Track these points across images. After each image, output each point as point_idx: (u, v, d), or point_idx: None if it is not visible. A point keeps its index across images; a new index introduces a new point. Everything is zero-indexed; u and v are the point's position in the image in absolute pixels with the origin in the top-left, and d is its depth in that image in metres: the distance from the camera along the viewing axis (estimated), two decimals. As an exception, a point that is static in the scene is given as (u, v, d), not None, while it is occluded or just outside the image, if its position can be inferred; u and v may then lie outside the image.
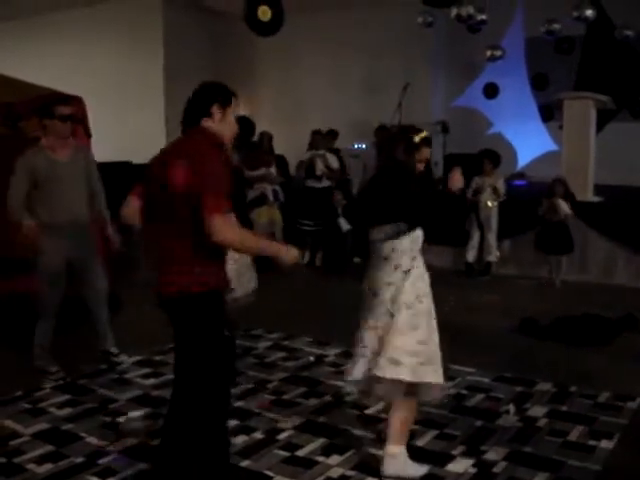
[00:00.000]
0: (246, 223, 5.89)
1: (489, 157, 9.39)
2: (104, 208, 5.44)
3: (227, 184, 3.14)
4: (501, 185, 9.31)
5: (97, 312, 5.39)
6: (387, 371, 3.55)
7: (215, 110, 3.28)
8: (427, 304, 3.74)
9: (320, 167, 10.00)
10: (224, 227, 3.04)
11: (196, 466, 3.25)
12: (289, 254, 3.30)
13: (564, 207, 8.49)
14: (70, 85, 8.95)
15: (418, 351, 3.62)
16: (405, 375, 3.55)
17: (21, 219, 5.00)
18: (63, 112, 5.10)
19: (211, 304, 3.23)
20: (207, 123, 3.27)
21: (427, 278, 3.77)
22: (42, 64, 13.94)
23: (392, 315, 3.62)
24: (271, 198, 9.50)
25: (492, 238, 9.41)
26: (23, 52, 14.96)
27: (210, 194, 3.02)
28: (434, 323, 3.78)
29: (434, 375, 3.66)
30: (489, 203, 9.30)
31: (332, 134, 11.35)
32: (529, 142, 13.02)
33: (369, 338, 3.69)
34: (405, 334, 3.60)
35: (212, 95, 3.31)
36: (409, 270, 3.65)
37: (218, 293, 3.27)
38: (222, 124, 3.30)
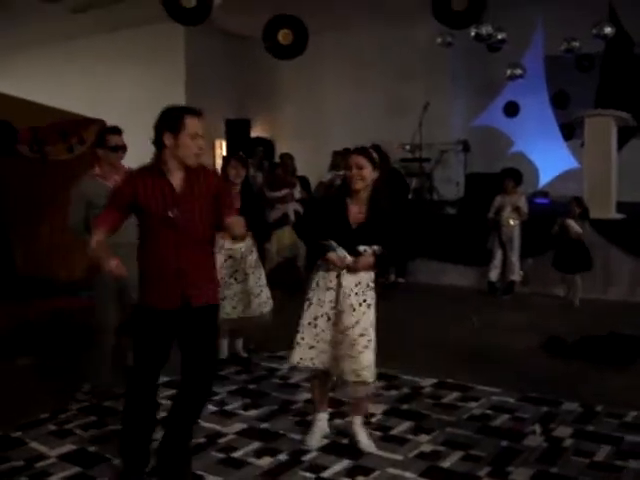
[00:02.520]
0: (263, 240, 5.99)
1: (511, 176, 9.40)
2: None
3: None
4: (523, 204, 9.31)
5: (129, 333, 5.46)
6: None
7: (167, 138, 3.54)
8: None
9: None
10: None
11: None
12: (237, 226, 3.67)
13: (574, 227, 8.49)
14: (93, 109, 9.10)
15: None
16: None
17: (84, 238, 5.09)
18: (113, 142, 5.22)
19: None
20: (166, 152, 3.60)
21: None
22: (66, 89, 14.14)
23: None
24: (292, 218, 9.52)
25: (515, 257, 9.39)
26: (48, 78, 15.19)
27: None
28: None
29: None
30: (511, 222, 9.29)
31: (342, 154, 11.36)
32: (551, 160, 12.97)
33: None
34: None
35: (161, 125, 3.56)
36: None
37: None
38: (178, 149, 3.57)
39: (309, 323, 4.21)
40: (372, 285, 4.22)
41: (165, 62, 14.39)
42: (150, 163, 3.68)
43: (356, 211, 4.17)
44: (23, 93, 8.60)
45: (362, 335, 4.10)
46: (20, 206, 8.55)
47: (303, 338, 4.21)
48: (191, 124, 3.56)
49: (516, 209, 9.26)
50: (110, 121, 7.05)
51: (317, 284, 4.22)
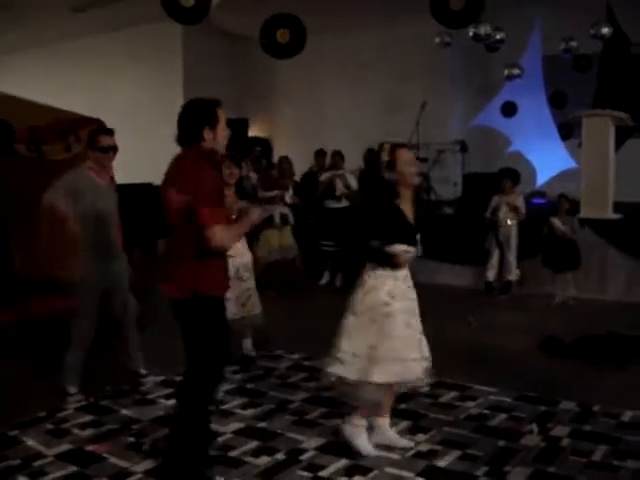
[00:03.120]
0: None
1: (508, 176, 9.41)
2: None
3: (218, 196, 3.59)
4: (521, 203, 9.33)
5: (129, 334, 5.49)
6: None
7: (206, 133, 3.62)
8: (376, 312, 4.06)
9: (340, 187, 10.04)
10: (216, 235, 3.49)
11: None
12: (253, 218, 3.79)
13: (559, 226, 8.55)
14: (91, 108, 9.09)
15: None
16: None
17: (57, 203, 5.12)
18: (104, 143, 5.24)
19: None
20: (203, 144, 3.63)
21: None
22: (65, 88, 14.15)
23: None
24: (277, 220, 9.50)
25: (512, 257, 9.40)
26: (46, 77, 15.20)
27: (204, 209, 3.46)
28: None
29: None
30: (508, 222, 9.31)
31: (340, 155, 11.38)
32: (548, 160, 12.99)
33: None
34: None
35: (200, 119, 3.63)
36: None
37: None
38: (214, 142, 3.66)
39: (399, 336, 4.02)
40: None
41: (163, 61, 14.40)
42: (198, 155, 3.63)
43: (408, 209, 4.17)
44: (21, 92, 8.59)
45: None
46: (18, 206, 8.53)
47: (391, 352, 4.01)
48: (222, 115, 3.71)
49: (513, 209, 9.28)
50: (108, 120, 7.07)
51: (388, 293, 4.07)
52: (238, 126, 13.78)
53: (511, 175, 9.43)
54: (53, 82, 14.85)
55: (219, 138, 3.68)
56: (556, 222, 8.59)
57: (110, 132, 5.33)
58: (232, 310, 5.85)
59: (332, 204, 10.13)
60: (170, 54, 14.37)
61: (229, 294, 5.83)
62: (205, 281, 3.63)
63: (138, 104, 14.33)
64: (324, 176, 10.35)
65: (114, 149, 5.31)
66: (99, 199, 5.20)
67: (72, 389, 5.23)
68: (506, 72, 12.48)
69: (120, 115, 11.58)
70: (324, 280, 10.32)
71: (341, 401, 5.04)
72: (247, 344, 6.33)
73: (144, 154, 12.50)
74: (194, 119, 3.65)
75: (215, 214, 3.49)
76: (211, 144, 3.66)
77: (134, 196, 7.32)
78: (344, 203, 10.07)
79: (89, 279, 5.17)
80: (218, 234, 3.48)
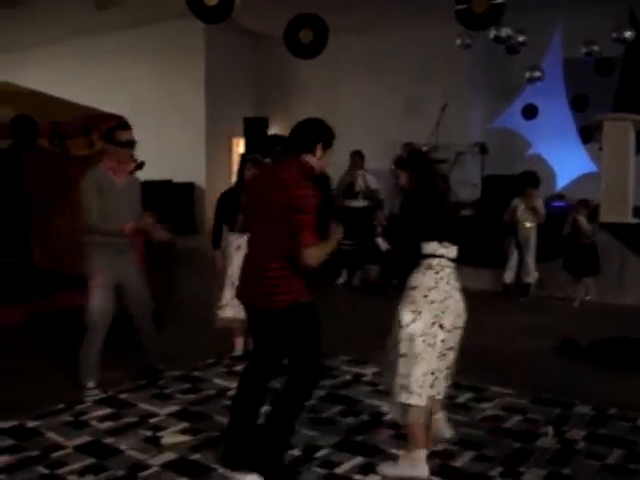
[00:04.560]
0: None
1: (529, 181, 9.38)
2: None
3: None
4: (541, 206, 9.30)
5: (144, 329, 5.54)
6: None
7: (318, 149, 3.71)
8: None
9: (360, 185, 10.08)
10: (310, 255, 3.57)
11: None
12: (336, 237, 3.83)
13: (583, 223, 8.53)
14: (113, 104, 9.16)
15: None
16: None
17: (110, 229, 5.15)
18: (123, 138, 5.25)
19: None
20: (307, 157, 3.71)
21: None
22: (87, 84, 14.25)
23: None
24: None
25: (531, 259, 9.39)
26: (67, 73, 15.30)
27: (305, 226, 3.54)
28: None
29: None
30: (527, 224, 9.29)
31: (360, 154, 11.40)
32: (568, 163, 12.93)
33: None
34: None
35: (319, 135, 3.74)
36: None
37: None
38: (318, 162, 3.74)
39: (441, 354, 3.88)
40: None
41: (185, 59, 14.46)
42: (299, 166, 3.72)
43: None
44: (43, 88, 8.68)
45: None
46: (40, 200, 8.61)
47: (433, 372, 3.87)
48: (331, 145, 3.82)
49: (531, 209, 9.26)
50: (130, 117, 7.11)
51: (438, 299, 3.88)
52: (258, 125, 13.82)
53: (530, 178, 9.40)
54: (74, 78, 14.96)
55: (323, 161, 3.77)
56: (582, 220, 8.54)
57: (128, 127, 5.35)
58: (235, 310, 5.92)
59: (351, 203, 10.16)
60: (192, 52, 14.43)
61: (231, 295, 5.90)
62: (293, 293, 3.72)
63: (160, 101, 14.41)
64: (344, 176, 10.40)
65: (132, 144, 5.34)
66: (115, 199, 5.20)
67: (90, 384, 5.27)
68: (527, 74, 12.42)
69: (143, 111, 11.69)
70: (341, 279, 10.34)
71: (356, 399, 5.09)
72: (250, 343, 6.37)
73: (164, 151, 12.60)
74: (314, 132, 3.77)
75: (314, 236, 3.59)
76: (314, 162, 3.74)
77: (152, 192, 7.35)
78: (363, 202, 10.10)
79: (100, 272, 5.20)
80: (312, 255, 3.58)
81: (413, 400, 3.80)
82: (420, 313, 3.80)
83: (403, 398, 3.82)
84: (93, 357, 5.29)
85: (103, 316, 5.25)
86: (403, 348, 3.81)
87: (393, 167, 4.19)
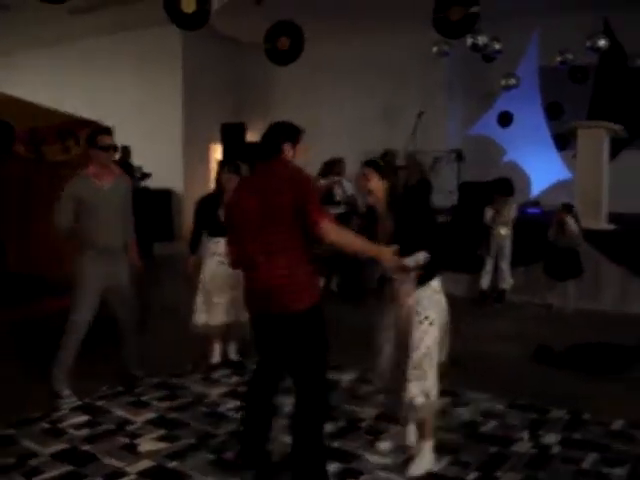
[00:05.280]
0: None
1: (498, 189, 9.40)
2: (132, 234, 5.67)
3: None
4: (511, 213, 9.30)
5: (127, 336, 5.54)
6: None
7: (287, 149, 3.72)
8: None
9: (339, 193, 10.11)
10: (330, 230, 3.56)
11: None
12: (386, 255, 3.74)
13: (571, 223, 8.55)
14: (92, 110, 9.14)
15: None
16: None
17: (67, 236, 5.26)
18: (104, 142, 5.30)
19: None
20: (282, 157, 3.72)
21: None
22: (64, 91, 14.20)
23: None
24: None
25: (506, 265, 9.44)
26: (46, 79, 15.23)
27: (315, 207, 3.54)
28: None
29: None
30: (502, 232, 9.35)
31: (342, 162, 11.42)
32: (543, 170, 13.07)
33: None
34: None
35: (281, 135, 3.76)
36: None
37: None
38: (293, 159, 3.76)
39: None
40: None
41: (162, 65, 14.46)
42: (286, 162, 3.76)
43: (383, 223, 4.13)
44: (22, 93, 8.63)
45: None
46: (15, 206, 8.56)
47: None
48: (302, 140, 3.84)
49: (497, 213, 9.31)
50: (108, 122, 7.11)
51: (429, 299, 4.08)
52: (235, 130, 13.84)
53: (500, 188, 9.40)
54: (53, 83, 14.91)
55: (297, 157, 3.79)
56: (571, 221, 8.58)
57: (109, 132, 5.40)
58: (207, 316, 5.93)
59: (331, 210, 10.19)
60: (169, 58, 14.43)
61: (222, 299, 5.91)
62: (316, 288, 3.77)
63: (138, 107, 14.38)
64: (321, 183, 10.40)
65: (114, 148, 5.41)
66: (101, 203, 5.24)
67: (65, 392, 5.25)
68: (503, 82, 12.56)
69: (121, 117, 11.65)
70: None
71: (334, 405, 5.10)
72: (230, 348, 6.36)
73: (141, 157, 12.56)
74: (277, 134, 3.78)
75: (323, 210, 3.59)
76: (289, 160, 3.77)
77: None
78: (342, 209, 10.13)
79: (86, 277, 5.22)
80: (332, 228, 3.56)
81: (432, 396, 3.99)
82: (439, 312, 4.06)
83: (422, 395, 3.95)
84: (67, 363, 5.27)
85: (83, 322, 5.24)
86: (424, 348, 3.97)
87: (363, 167, 4.15)
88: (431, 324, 3.99)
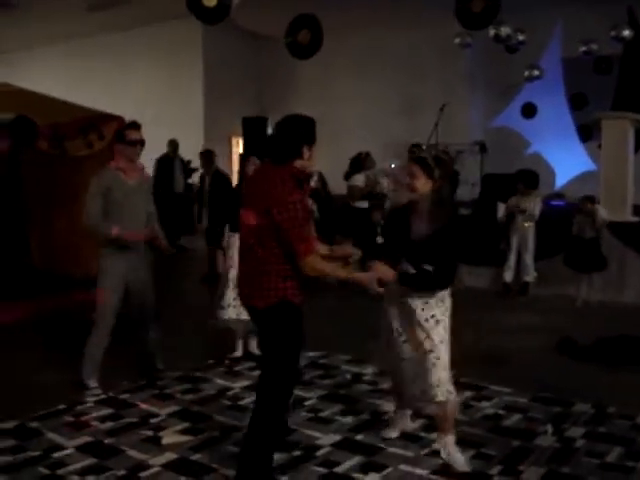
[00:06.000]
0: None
1: (522, 178, 9.36)
2: (157, 224, 5.67)
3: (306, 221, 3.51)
4: (535, 206, 9.24)
5: (149, 330, 5.57)
6: None
7: (305, 150, 3.57)
8: None
9: (380, 189, 10.06)
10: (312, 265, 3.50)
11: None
12: (372, 281, 3.70)
13: (602, 214, 8.46)
14: (111, 105, 9.18)
15: None
16: None
17: (104, 230, 5.21)
18: (132, 137, 5.31)
19: None
20: (297, 162, 3.56)
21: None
22: (84, 86, 14.27)
23: None
24: None
25: (529, 258, 9.39)
26: (66, 74, 15.33)
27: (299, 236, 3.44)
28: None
29: None
30: (525, 224, 9.29)
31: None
32: (568, 162, 12.97)
33: None
34: None
35: (302, 136, 3.58)
36: None
37: None
38: (309, 161, 3.61)
39: None
40: None
41: (184, 59, 14.49)
42: (289, 175, 3.53)
43: (417, 225, 3.98)
44: (41, 89, 8.68)
45: None
46: (39, 201, 8.63)
47: None
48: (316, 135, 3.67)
49: (522, 212, 9.25)
50: (128, 117, 7.13)
51: None
52: (257, 124, 13.84)
53: (524, 178, 9.36)
54: (72, 79, 14.99)
55: (312, 160, 3.64)
56: (601, 210, 8.51)
57: (137, 126, 5.41)
58: (237, 311, 5.93)
59: (358, 204, 10.13)
60: (191, 52, 14.46)
61: (233, 296, 5.89)
62: (290, 289, 3.59)
63: (158, 101, 14.43)
64: (358, 179, 10.30)
65: (142, 143, 5.40)
66: (126, 198, 5.27)
67: (91, 383, 5.29)
68: (526, 73, 12.46)
69: (140, 112, 11.68)
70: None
71: (356, 398, 5.10)
72: (252, 343, 6.35)
73: (163, 151, 12.59)
74: (294, 135, 3.58)
75: (308, 244, 3.49)
76: (304, 164, 3.60)
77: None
78: (365, 204, 10.03)
79: (110, 271, 5.26)
80: (310, 264, 3.47)
81: (445, 396, 3.98)
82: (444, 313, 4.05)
83: (446, 395, 3.98)
84: (96, 356, 5.32)
85: (109, 315, 5.29)
86: (441, 350, 3.98)
87: (411, 163, 3.98)
88: (437, 323, 4.00)
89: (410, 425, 4.56)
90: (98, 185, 5.24)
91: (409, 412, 4.52)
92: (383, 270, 3.81)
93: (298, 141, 3.57)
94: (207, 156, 10.43)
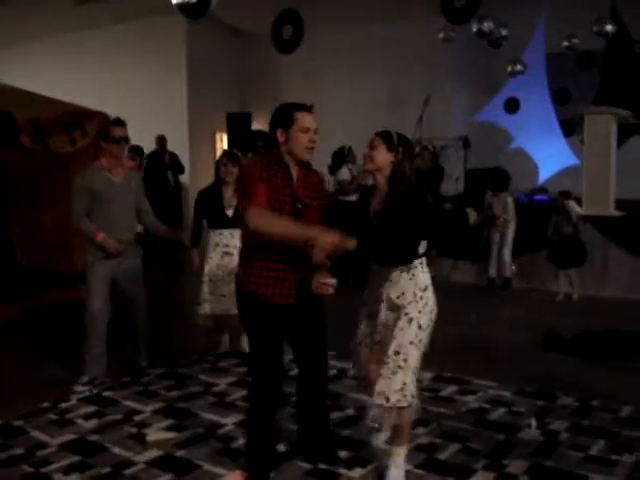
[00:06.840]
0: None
1: (492, 180, 9.48)
2: (154, 218, 5.68)
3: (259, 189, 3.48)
4: (505, 208, 9.34)
5: (138, 327, 5.58)
6: None
7: (279, 134, 3.58)
8: None
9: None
10: (254, 217, 3.43)
11: None
12: (326, 240, 3.37)
13: (575, 207, 8.52)
14: (95, 100, 9.12)
15: None
16: None
17: (90, 235, 5.22)
18: (116, 134, 5.29)
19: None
20: (278, 149, 3.61)
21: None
22: (68, 81, 14.16)
23: None
24: None
25: (507, 254, 9.45)
26: (50, 70, 15.19)
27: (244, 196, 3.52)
28: None
29: None
30: (501, 219, 9.35)
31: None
32: (551, 157, 12.99)
33: None
34: None
35: (274, 121, 3.63)
36: None
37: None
38: (289, 144, 3.58)
39: None
40: None
41: (168, 55, 14.41)
42: (268, 155, 3.67)
43: (376, 202, 3.73)
44: (24, 84, 8.62)
45: None
46: (21, 197, 8.57)
47: None
48: (301, 118, 3.58)
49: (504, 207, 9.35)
50: (112, 113, 7.09)
51: None
52: (241, 120, 13.81)
53: (494, 179, 9.46)
54: (56, 74, 14.86)
55: (296, 141, 3.57)
56: (572, 204, 8.55)
57: (122, 123, 5.39)
58: (211, 305, 5.91)
59: (346, 198, 10.16)
60: (175, 48, 14.38)
61: (227, 290, 5.85)
62: (252, 277, 3.62)
63: (142, 96, 14.34)
64: (343, 175, 10.34)
65: (126, 140, 5.39)
66: (112, 197, 5.25)
67: (84, 378, 5.31)
68: (509, 68, 12.47)
69: (124, 107, 11.61)
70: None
71: (340, 394, 5.10)
72: (243, 340, 6.32)
73: (147, 147, 12.52)
74: (270, 123, 3.65)
75: (252, 197, 3.45)
76: (287, 147, 3.59)
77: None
78: (355, 197, 10.05)
79: (97, 268, 5.24)
80: (257, 215, 3.42)
81: (409, 401, 3.57)
82: (432, 312, 3.72)
83: (400, 402, 3.54)
84: (94, 350, 5.33)
85: (98, 310, 5.28)
86: (410, 352, 3.58)
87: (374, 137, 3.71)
88: (410, 321, 3.60)
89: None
90: (82, 186, 5.22)
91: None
92: (343, 238, 3.44)
93: (272, 127, 3.64)
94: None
